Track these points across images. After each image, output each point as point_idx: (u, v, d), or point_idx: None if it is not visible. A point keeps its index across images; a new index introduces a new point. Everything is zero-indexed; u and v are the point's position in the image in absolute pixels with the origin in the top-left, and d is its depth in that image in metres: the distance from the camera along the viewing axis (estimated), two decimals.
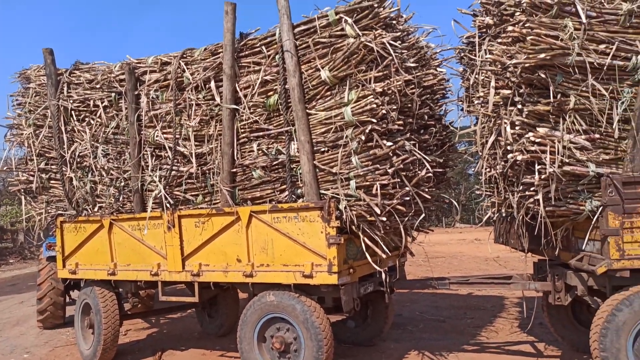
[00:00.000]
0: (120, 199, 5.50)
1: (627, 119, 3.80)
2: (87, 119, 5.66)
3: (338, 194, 4.26)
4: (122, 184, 5.50)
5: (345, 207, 4.21)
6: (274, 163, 4.63)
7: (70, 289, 7.91)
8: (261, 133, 4.72)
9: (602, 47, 3.79)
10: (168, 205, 5.10)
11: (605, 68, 3.77)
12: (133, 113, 5.26)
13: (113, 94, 5.49)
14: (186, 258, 5.05)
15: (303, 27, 4.52)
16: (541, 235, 4.14)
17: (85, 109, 5.67)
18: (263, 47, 4.76)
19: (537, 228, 3.99)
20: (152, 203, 5.19)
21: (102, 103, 5.50)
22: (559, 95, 3.82)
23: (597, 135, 3.83)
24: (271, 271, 4.53)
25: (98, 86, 5.62)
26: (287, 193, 4.56)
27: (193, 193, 5.09)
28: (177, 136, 5.05)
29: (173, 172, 5.09)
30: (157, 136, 5.18)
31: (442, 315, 7.09)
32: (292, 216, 4.44)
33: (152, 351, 6.16)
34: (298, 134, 4.44)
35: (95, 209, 5.70)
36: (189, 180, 5.06)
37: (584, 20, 3.76)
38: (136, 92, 5.33)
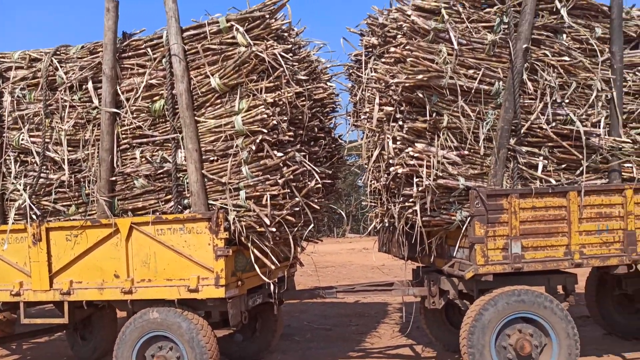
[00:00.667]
0: None
1: (491, 138, 4.27)
2: None
3: (227, 205, 4.18)
4: None
5: (234, 218, 4.15)
6: (159, 171, 4.41)
7: None
8: (145, 140, 4.48)
9: (470, 72, 4.23)
10: (34, 216, 4.59)
11: (473, 91, 4.20)
12: None
13: None
14: (54, 275, 4.57)
15: (192, 32, 4.40)
16: (418, 244, 4.47)
17: None
18: (149, 49, 4.54)
19: (415, 237, 4.29)
20: (15, 214, 4.64)
21: None
22: (434, 114, 4.17)
23: (466, 152, 4.24)
24: (153, 286, 4.28)
25: None
26: (172, 203, 4.37)
27: (64, 203, 4.65)
28: (46, 140, 4.58)
29: (41, 180, 4.61)
30: (22, 139, 4.65)
31: (329, 323, 7.27)
32: (178, 228, 4.25)
33: None
34: (185, 142, 4.29)
35: None
36: (60, 189, 4.61)
37: (455, 46, 4.16)
38: None
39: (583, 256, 4.24)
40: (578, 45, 4.46)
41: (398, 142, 4.24)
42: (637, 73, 4.60)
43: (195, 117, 4.34)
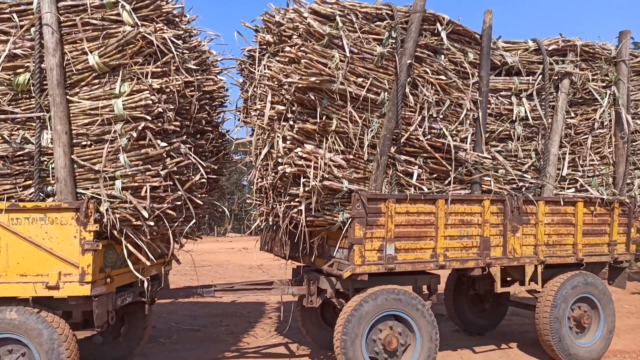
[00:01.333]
0: None
1: (374, 145, 4.51)
2: None
3: (99, 194, 3.85)
4: None
5: (107, 209, 3.83)
6: (18, 153, 3.91)
7: None
8: (3, 116, 3.94)
9: (360, 80, 4.43)
10: None
11: (361, 99, 4.41)
12: None
13: None
14: None
15: (70, 2, 3.99)
16: (300, 243, 4.56)
17: None
18: (14, 15, 4.01)
19: (298, 236, 4.37)
20: None
21: None
22: (324, 117, 4.29)
23: (351, 156, 4.43)
24: (4, 283, 3.77)
25: None
26: (33, 190, 3.90)
27: None
28: None
29: None
30: None
31: (198, 324, 7.06)
32: (38, 217, 3.80)
33: None
34: (54, 123, 3.86)
35: None
36: None
37: (347, 54, 4.33)
38: None
39: (446, 259, 4.68)
40: (453, 67, 4.92)
41: (288, 142, 4.28)
42: (499, 97, 5.22)
43: (68, 96, 3.94)
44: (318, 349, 5.57)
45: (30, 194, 3.90)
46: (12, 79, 3.95)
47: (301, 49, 4.22)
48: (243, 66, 5.55)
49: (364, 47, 4.50)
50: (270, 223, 5.10)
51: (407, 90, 4.59)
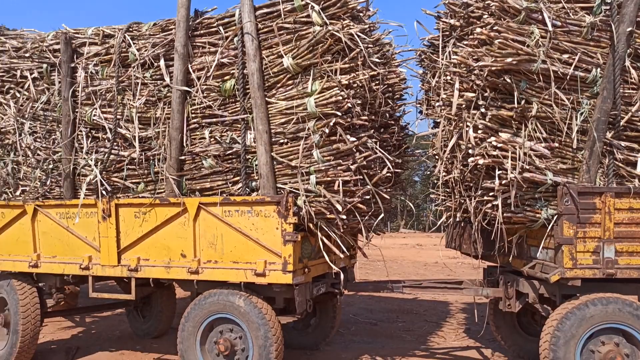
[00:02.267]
0: (48, 182, 4.95)
1: (585, 130, 3.91)
2: (11, 90, 5.05)
3: (296, 189, 4.07)
4: (51, 166, 4.96)
5: (304, 203, 4.03)
6: (228, 152, 4.35)
7: None
8: (214, 119, 4.43)
9: (565, 56, 3.88)
10: (104, 192, 4.65)
11: (567, 78, 3.86)
12: (68, 88, 4.75)
13: (45, 65, 4.93)
14: (123, 251, 4.63)
15: (266, 10, 4.28)
16: (495, 241, 4.19)
17: (10, 79, 5.06)
18: (220, 28, 4.46)
19: (494, 234, 4.02)
20: (86, 189, 4.72)
21: (31, 74, 4.93)
22: (522, 102, 3.86)
23: (556, 144, 3.91)
24: (219, 268, 4.25)
25: (27, 55, 5.03)
26: (240, 185, 4.30)
27: (134, 180, 4.69)
28: (118, 117, 4.62)
29: (112, 156, 4.65)
30: (94, 115, 4.71)
31: (375, 318, 7.10)
32: (246, 210, 4.18)
33: (65, 352, 5.64)
34: (256, 123, 4.20)
35: (17, 193, 5.10)
36: (130, 166, 4.65)
37: (549, 28, 3.82)
38: (72, 65, 4.82)
39: None
40: None
41: (479, 131, 3.96)
42: None
43: (266, 98, 4.24)
44: (515, 357, 5.11)
45: (238, 189, 4.31)
46: (220, 85, 4.40)
47: (494, 28, 3.86)
48: (423, 56, 5.35)
49: (570, 19, 3.92)
50: (458, 219, 4.82)
51: (628, 63, 3.87)
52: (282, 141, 4.20)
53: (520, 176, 3.79)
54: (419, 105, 5.47)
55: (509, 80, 3.84)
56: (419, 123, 5.57)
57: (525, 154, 3.81)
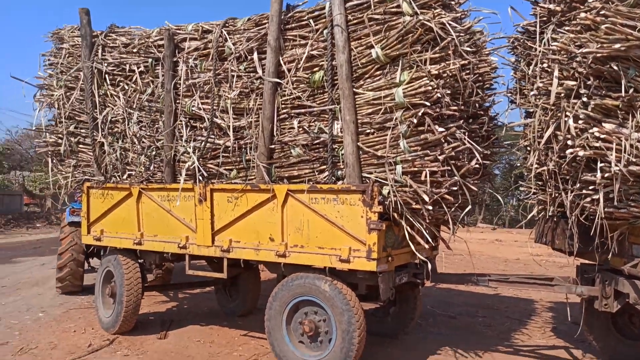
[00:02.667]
0: (151, 168, 5.39)
1: None
2: (121, 83, 5.54)
3: (382, 179, 4.10)
4: (154, 153, 5.38)
5: (389, 193, 4.05)
6: (315, 142, 4.47)
7: (89, 256, 7.90)
8: (303, 110, 4.56)
9: None
10: (201, 177, 4.98)
11: None
12: (170, 81, 5.12)
13: (150, 60, 5.35)
14: (216, 233, 4.95)
15: (356, 2, 4.32)
16: (592, 238, 3.95)
17: (119, 73, 5.55)
18: (311, 21, 4.58)
19: (592, 230, 3.80)
20: (185, 175, 5.07)
21: (138, 68, 5.37)
22: (630, 90, 3.59)
23: None
24: (305, 253, 4.40)
25: (134, 50, 5.48)
26: (326, 174, 4.41)
27: (227, 167, 4.97)
28: (214, 107, 4.90)
29: (208, 145, 4.96)
30: (193, 106, 5.04)
31: (454, 311, 6.98)
32: (331, 198, 4.29)
33: (160, 323, 6.13)
34: (343, 113, 4.27)
35: (125, 177, 5.60)
36: (224, 154, 4.92)
37: None
38: (174, 59, 5.18)
39: None
40: None
41: (580, 122, 3.74)
42: None
43: (354, 89, 4.29)
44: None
45: (324, 177, 4.42)
46: (309, 77, 4.52)
47: (601, 12, 3.61)
48: (516, 43, 5.12)
49: None
50: (551, 213, 4.59)
51: None
52: (368, 131, 4.24)
53: (626, 169, 3.54)
54: (510, 94, 5.25)
55: (615, 68, 3.58)
56: (510, 113, 5.36)
57: (632, 145, 3.54)
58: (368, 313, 5.63)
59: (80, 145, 5.93)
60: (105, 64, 5.57)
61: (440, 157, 3.93)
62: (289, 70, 4.59)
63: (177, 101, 5.17)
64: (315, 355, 4.27)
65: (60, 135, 5.99)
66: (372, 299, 4.75)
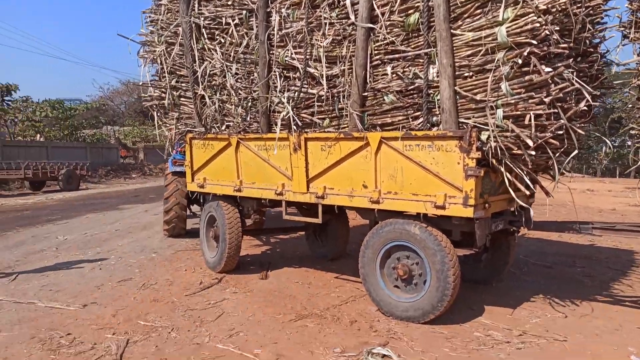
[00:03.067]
0: (248, 118, 5.63)
1: None
2: (217, 37, 5.73)
3: (481, 124, 3.98)
4: (250, 104, 5.60)
5: (488, 138, 3.94)
6: (409, 88, 4.40)
7: (190, 203, 8.56)
8: (397, 55, 4.47)
9: None
10: (295, 127, 5.13)
11: None
12: (263, 32, 5.22)
13: (244, 12, 5.46)
14: (311, 180, 5.13)
15: None
16: None
17: (216, 26, 5.73)
18: None
19: None
20: (280, 124, 5.25)
21: (232, 21, 5.51)
22: None
23: None
24: (399, 199, 4.46)
25: (229, 3, 5.61)
26: (421, 120, 4.35)
27: (320, 116, 5.06)
28: (307, 57, 4.95)
29: (301, 94, 5.06)
30: (286, 56, 5.12)
31: (548, 261, 6.76)
32: (426, 145, 4.25)
33: (259, 265, 6.56)
34: (440, 57, 4.14)
35: (223, 128, 5.91)
36: (317, 103, 5.01)
37: None
38: (267, 10, 5.25)
39: None
40: None
41: None
42: None
43: (451, 30, 4.12)
44: None
45: (418, 124, 4.37)
46: (404, 20, 4.39)
47: None
48: None
49: None
50: None
51: None
52: (466, 74, 4.09)
53: None
54: (623, 29, 4.76)
55: None
56: (622, 50, 4.88)
57: None
58: (460, 260, 5.64)
59: (182, 99, 6.31)
60: (202, 18, 5.77)
61: (546, 100, 3.72)
62: (383, 14, 4.48)
63: (271, 52, 5.27)
64: (412, 297, 4.40)
65: (163, 90, 6.40)
66: (466, 246, 4.73)
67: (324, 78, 4.83)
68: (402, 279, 4.49)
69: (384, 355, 3.61)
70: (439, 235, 4.26)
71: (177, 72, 6.27)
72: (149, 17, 6.45)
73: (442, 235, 4.29)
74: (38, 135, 27.89)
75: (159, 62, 6.35)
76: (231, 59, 5.59)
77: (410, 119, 4.45)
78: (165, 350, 3.82)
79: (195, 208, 9.12)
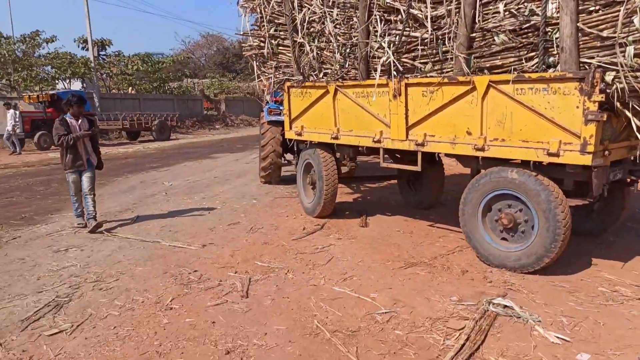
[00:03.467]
0: (346, 65, 5.61)
1: None
2: None
3: (606, 63, 3.65)
4: (348, 50, 5.56)
5: (614, 79, 3.61)
6: (524, 26, 4.11)
7: (284, 151, 8.85)
8: None
9: None
10: (395, 72, 5.04)
11: None
12: None
13: None
14: (410, 127, 5.07)
15: None
16: None
17: None
18: None
19: None
20: (379, 70, 5.18)
21: None
22: None
23: None
24: (506, 146, 4.28)
25: None
26: (535, 61, 4.08)
27: (422, 61, 4.91)
28: None
29: (403, 38, 4.92)
30: None
31: None
32: (541, 88, 4.00)
33: (357, 213, 6.69)
34: None
35: (321, 75, 5.96)
36: (420, 47, 4.85)
37: None
38: None
39: None
40: None
41: None
42: None
43: None
44: None
45: (532, 65, 4.10)
46: None
47: None
48: None
49: None
50: None
51: None
52: (592, 9, 3.73)
53: None
54: None
55: None
56: None
57: None
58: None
59: (280, 47, 6.41)
60: None
61: None
62: None
63: None
64: (521, 245, 4.27)
65: (262, 39, 6.53)
66: (578, 196, 4.48)
67: (429, 19, 4.65)
68: (507, 229, 4.38)
69: (505, 306, 3.57)
70: (538, 176, 4.07)
71: (276, 21, 6.34)
72: None
73: (542, 176, 4.09)
74: (130, 88, 29.55)
75: (258, 11, 6.45)
76: (330, 4, 5.54)
77: (524, 60, 4.19)
78: (285, 289, 4.06)
79: (288, 156, 9.42)
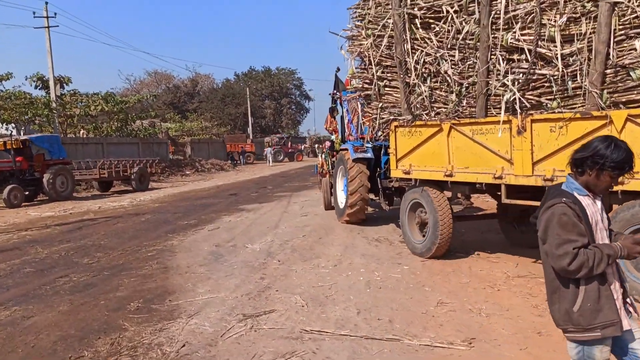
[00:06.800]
0: (464, 103, 6.00)
1: None
2: (432, 25, 6.20)
3: None
4: (464, 89, 5.96)
5: None
6: None
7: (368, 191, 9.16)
8: None
9: None
10: (518, 109, 5.37)
11: None
12: (487, 16, 5.54)
13: None
14: (537, 163, 5.32)
15: None
16: None
17: (431, 15, 6.20)
18: None
19: None
20: (498, 108, 5.53)
21: (452, 8, 5.92)
22: None
23: None
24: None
25: None
26: None
27: (548, 97, 5.23)
28: (538, 37, 5.15)
29: (528, 76, 5.27)
30: (512, 38, 5.38)
31: None
32: None
33: (464, 251, 6.84)
34: None
35: (433, 114, 6.36)
36: (546, 84, 5.18)
37: None
38: None
39: None
40: None
41: None
42: None
43: None
44: None
45: None
46: None
47: None
48: None
49: None
50: None
51: None
52: None
53: None
54: None
55: None
56: None
57: None
58: None
59: (387, 88, 6.91)
60: (417, 9, 6.28)
61: None
62: None
63: (493, 35, 5.57)
64: None
65: (367, 81, 7.07)
66: None
67: (559, 57, 5.00)
68: None
69: None
70: None
71: (383, 63, 6.88)
72: (355, 12, 7.17)
73: None
74: (82, 132, 27.10)
75: (366, 54, 7.03)
76: (449, 47, 6.00)
77: None
78: None
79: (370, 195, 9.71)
